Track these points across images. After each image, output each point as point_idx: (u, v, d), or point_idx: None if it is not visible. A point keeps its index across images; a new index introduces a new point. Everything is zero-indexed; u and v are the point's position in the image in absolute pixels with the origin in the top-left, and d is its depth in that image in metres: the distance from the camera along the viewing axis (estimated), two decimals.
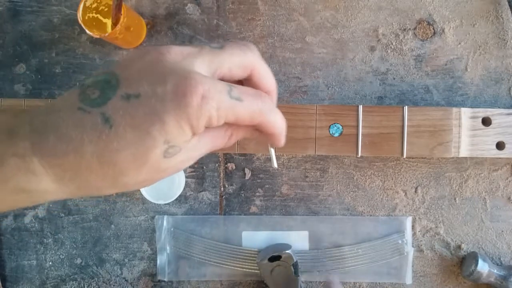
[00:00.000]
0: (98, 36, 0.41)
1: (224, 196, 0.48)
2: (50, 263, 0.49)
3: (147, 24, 0.48)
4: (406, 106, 0.41)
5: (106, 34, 0.41)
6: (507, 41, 0.46)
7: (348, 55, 0.47)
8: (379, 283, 0.46)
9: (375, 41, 0.47)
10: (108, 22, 0.44)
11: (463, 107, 0.43)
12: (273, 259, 0.44)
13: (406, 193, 0.46)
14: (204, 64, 0.23)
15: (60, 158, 0.21)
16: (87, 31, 0.41)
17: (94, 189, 0.22)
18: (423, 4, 0.46)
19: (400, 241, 0.46)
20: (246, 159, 0.47)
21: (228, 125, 0.25)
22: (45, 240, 0.49)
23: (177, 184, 0.47)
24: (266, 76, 0.26)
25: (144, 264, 0.48)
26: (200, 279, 0.47)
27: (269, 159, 0.47)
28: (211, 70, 0.23)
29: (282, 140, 0.26)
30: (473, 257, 0.44)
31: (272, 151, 0.30)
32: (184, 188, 0.48)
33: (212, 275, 0.47)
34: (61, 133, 0.21)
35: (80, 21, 0.42)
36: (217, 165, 0.48)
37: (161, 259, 0.48)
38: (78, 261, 0.49)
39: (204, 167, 0.48)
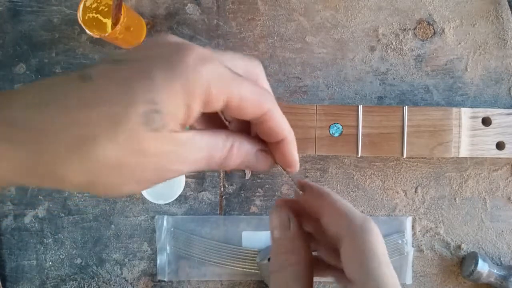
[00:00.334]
0: (98, 36, 0.41)
1: (224, 196, 0.48)
2: (50, 263, 0.49)
3: (147, 24, 0.48)
4: (406, 106, 0.41)
5: (106, 34, 0.41)
6: (507, 41, 0.46)
7: (348, 55, 0.47)
8: None
9: (375, 41, 0.47)
10: (108, 22, 0.44)
11: (463, 107, 0.43)
12: None
13: (406, 193, 0.46)
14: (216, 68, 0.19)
15: (22, 112, 0.16)
16: (87, 31, 0.41)
17: (57, 164, 0.16)
18: (423, 4, 0.46)
19: (400, 241, 0.46)
20: None
21: (229, 133, 0.21)
22: (45, 240, 0.49)
23: (177, 184, 0.47)
24: (281, 123, 0.22)
25: (144, 264, 0.48)
26: (200, 279, 0.47)
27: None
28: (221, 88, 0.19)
29: (295, 159, 0.23)
30: (473, 257, 0.44)
31: (294, 177, 0.27)
32: (184, 188, 0.48)
33: (212, 275, 0.47)
34: (32, 92, 0.17)
35: (80, 21, 0.42)
36: None
37: (161, 259, 0.48)
38: (78, 261, 0.49)
39: None
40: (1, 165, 0.16)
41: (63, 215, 0.49)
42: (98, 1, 0.44)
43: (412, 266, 0.46)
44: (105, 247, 0.48)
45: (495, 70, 0.46)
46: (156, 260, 0.48)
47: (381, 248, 0.23)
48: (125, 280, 0.48)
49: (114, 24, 0.41)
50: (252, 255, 0.46)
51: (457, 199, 0.46)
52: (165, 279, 0.47)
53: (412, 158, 0.46)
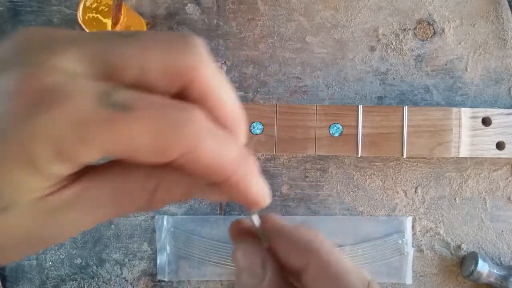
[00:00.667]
0: None
1: None
2: (50, 263, 0.49)
3: (147, 24, 0.48)
4: (406, 106, 0.41)
5: None
6: (507, 41, 0.46)
7: (348, 55, 0.47)
8: (379, 283, 0.46)
9: (375, 41, 0.47)
10: (108, 22, 0.44)
11: (463, 107, 0.43)
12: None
13: (406, 193, 0.46)
14: (80, 56, 0.13)
15: None
16: (87, 31, 0.41)
17: None
18: (423, 4, 0.46)
19: (400, 241, 0.46)
20: None
21: (150, 169, 0.15)
22: None
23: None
24: (220, 94, 0.16)
25: (144, 264, 0.48)
26: (200, 279, 0.47)
27: (269, 159, 0.47)
28: (97, 69, 0.14)
29: (257, 194, 0.16)
30: (473, 257, 0.44)
31: (256, 218, 0.19)
32: None
33: (212, 275, 0.47)
34: None
35: (80, 21, 0.42)
36: None
37: (161, 259, 0.48)
38: (78, 261, 0.49)
39: None
40: None
41: None
42: (98, 1, 0.44)
43: (412, 266, 0.46)
44: (105, 247, 0.48)
45: (495, 70, 0.46)
46: (156, 260, 0.48)
47: None
48: (125, 280, 0.48)
49: (114, 24, 0.41)
50: None
51: (457, 199, 0.46)
52: (165, 279, 0.48)
53: (412, 158, 0.46)
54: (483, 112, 0.41)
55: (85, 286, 0.49)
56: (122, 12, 0.41)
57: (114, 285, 0.48)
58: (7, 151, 0.12)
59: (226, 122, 0.16)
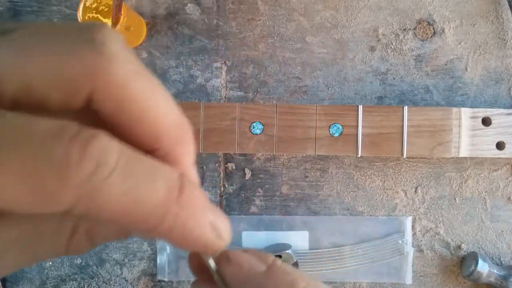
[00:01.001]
0: None
1: (224, 196, 0.48)
2: (50, 263, 0.49)
3: (147, 24, 0.48)
4: (406, 106, 0.41)
5: None
6: (507, 41, 0.46)
7: (348, 55, 0.47)
8: (379, 283, 0.46)
9: (375, 41, 0.47)
10: (108, 22, 0.44)
11: (463, 107, 0.43)
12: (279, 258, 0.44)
13: (406, 193, 0.46)
14: None
15: None
16: None
17: None
18: (423, 4, 0.46)
19: (400, 241, 0.46)
20: (246, 159, 0.47)
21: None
22: None
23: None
24: (146, 102, 0.12)
25: (144, 264, 0.48)
26: None
27: (269, 159, 0.47)
28: None
29: (207, 237, 0.13)
30: (473, 257, 0.44)
31: (211, 262, 0.16)
32: None
33: None
34: None
35: (80, 21, 0.42)
36: (217, 165, 0.48)
37: (161, 259, 0.48)
38: (78, 261, 0.49)
39: (204, 167, 0.48)
40: None
41: None
42: (98, 1, 0.44)
43: (412, 266, 0.46)
44: (105, 247, 0.48)
45: (495, 70, 0.46)
46: (156, 260, 0.48)
47: None
48: (125, 280, 0.48)
49: (114, 24, 0.41)
50: None
51: (457, 199, 0.46)
52: (165, 279, 0.47)
53: (412, 158, 0.46)
54: (483, 112, 0.41)
55: (85, 286, 0.49)
56: (122, 12, 0.41)
57: (114, 285, 0.48)
58: None
59: (161, 140, 0.12)
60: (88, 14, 0.43)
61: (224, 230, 0.13)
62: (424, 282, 0.47)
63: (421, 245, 0.46)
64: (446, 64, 0.46)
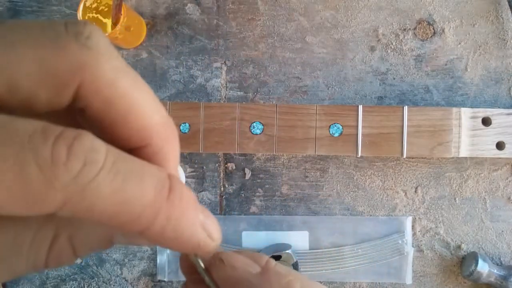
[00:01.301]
0: None
1: (224, 196, 0.48)
2: None
3: (147, 24, 0.48)
4: (406, 106, 0.41)
5: (106, 34, 0.41)
6: (507, 41, 0.46)
7: (348, 55, 0.47)
8: (379, 283, 0.46)
9: (375, 41, 0.47)
10: (108, 22, 0.44)
11: (463, 107, 0.43)
12: (273, 259, 0.44)
13: (406, 193, 0.46)
14: None
15: None
16: None
17: None
18: (423, 4, 0.46)
19: (400, 241, 0.46)
20: (246, 159, 0.47)
21: (42, 216, 0.11)
22: None
23: (180, 178, 0.47)
24: (132, 99, 0.11)
25: (144, 264, 0.48)
26: None
27: (269, 159, 0.47)
28: None
29: (198, 238, 0.13)
30: (473, 257, 0.44)
31: (201, 264, 0.16)
32: None
33: None
34: None
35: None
36: (217, 165, 0.48)
37: (161, 259, 0.48)
38: (78, 261, 0.49)
39: (204, 167, 0.48)
40: None
41: None
42: (98, 1, 0.44)
43: (412, 266, 0.46)
44: None
45: (495, 70, 0.46)
46: (156, 260, 0.48)
47: None
48: (125, 280, 0.48)
49: (114, 24, 0.41)
50: None
51: (457, 199, 0.46)
52: (165, 279, 0.47)
53: (412, 158, 0.46)
54: (483, 112, 0.41)
55: (85, 286, 0.49)
56: (122, 12, 0.41)
57: (114, 285, 0.48)
58: None
59: (149, 139, 0.12)
60: (88, 14, 0.43)
61: (215, 230, 0.13)
62: (424, 282, 0.47)
63: (421, 245, 0.46)
64: (446, 64, 0.46)
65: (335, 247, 0.46)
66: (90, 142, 0.10)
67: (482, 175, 0.46)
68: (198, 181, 0.48)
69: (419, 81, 0.46)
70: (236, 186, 0.47)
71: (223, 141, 0.42)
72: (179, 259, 0.17)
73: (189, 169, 0.48)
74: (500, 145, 0.41)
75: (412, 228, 0.46)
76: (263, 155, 0.47)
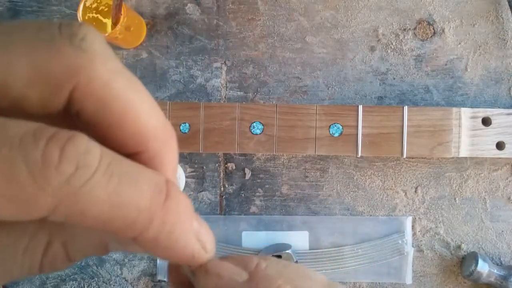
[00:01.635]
0: None
1: (224, 196, 0.48)
2: None
3: (147, 24, 0.48)
4: (406, 106, 0.41)
5: (106, 34, 0.41)
6: (507, 41, 0.46)
7: (348, 55, 0.47)
8: (379, 283, 0.46)
9: (375, 41, 0.47)
10: (108, 22, 0.44)
11: (463, 107, 0.43)
12: (266, 258, 0.44)
13: (406, 193, 0.46)
14: None
15: None
16: None
17: None
18: (423, 4, 0.46)
19: (400, 241, 0.46)
20: (246, 159, 0.47)
21: (35, 221, 0.11)
22: None
23: (177, 184, 0.47)
24: (128, 102, 0.11)
25: (144, 264, 0.48)
26: None
27: (269, 159, 0.47)
28: None
29: (192, 249, 0.12)
30: (473, 257, 0.44)
31: (193, 275, 0.15)
32: (184, 188, 0.48)
33: None
34: None
35: (79, 21, 0.42)
36: (217, 165, 0.48)
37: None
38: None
39: (204, 167, 0.48)
40: None
41: None
42: (98, 1, 0.44)
43: (412, 266, 0.46)
44: None
45: (495, 70, 0.46)
46: (156, 260, 0.48)
47: None
48: (125, 280, 0.48)
49: (114, 24, 0.41)
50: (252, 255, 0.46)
51: (457, 199, 0.46)
52: (165, 279, 0.47)
53: (412, 158, 0.46)
54: (483, 112, 0.41)
55: (85, 286, 0.49)
56: (122, 12, 0.41)
57: (114, 285, 0.48)
58: None
59: (143, 144, 0.12)
60: (88, 14, 0.43)
61: (209, 242, 0.13)
62: (424, 282, 0.46)
63: (421, 245, 0.46)
64: (446, 64, 0.46)
65: (335, 247, 0.46)
66: (84, 144, 0.10)
67: (482, 175, 0.46)
68: (198, 181, 0.48)
69: (419, 81, 0.46)
70: (236, 186, 0.47)
71: (223, 141, 0.42)
72: (167, 269, 0.16)
73: (189, 169, 0.48)
74: (500, 145, 0.41)
75: (412, 228, 0.46)
76: (263, 155, 0.47)
